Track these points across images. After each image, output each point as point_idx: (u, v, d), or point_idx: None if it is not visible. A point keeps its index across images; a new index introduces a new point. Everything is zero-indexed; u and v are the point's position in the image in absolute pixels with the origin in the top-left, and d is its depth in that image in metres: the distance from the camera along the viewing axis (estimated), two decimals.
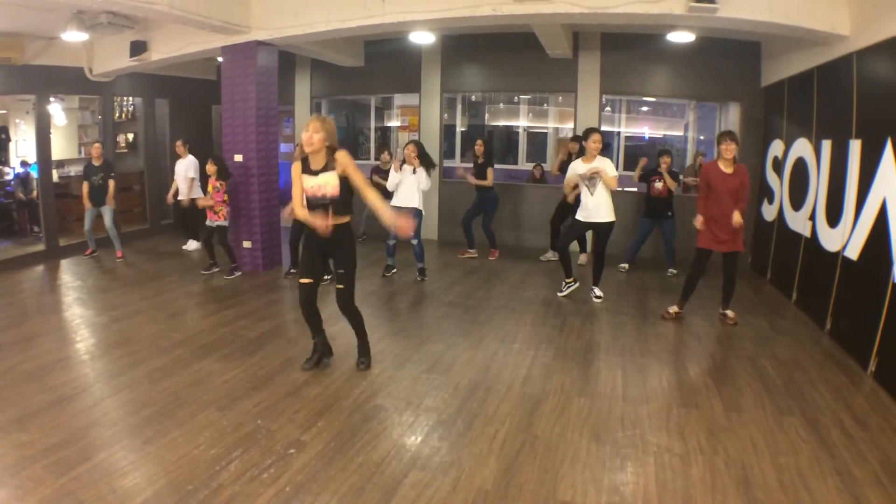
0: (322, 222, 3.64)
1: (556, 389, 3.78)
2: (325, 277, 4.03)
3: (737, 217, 4.79)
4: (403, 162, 6.25)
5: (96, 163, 7.33)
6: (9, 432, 3.12)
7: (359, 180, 3.71)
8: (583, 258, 7.51)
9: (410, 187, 6.20)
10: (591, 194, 5.52)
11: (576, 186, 5.77)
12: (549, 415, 3.43)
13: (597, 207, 5.52)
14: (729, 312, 5.19)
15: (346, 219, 3.80)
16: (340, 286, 3.91)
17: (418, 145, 6.28)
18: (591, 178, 5.48)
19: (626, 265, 7.18)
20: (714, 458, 2.98)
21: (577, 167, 5.63)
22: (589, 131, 5.60)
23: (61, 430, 3.15)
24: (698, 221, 5.05)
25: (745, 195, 4.91)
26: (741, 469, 2.87)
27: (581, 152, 6.04)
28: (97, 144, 7.44)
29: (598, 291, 5.81)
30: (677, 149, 10.33)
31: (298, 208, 3.80)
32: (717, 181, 4.90)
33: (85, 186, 7.31)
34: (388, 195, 6.18)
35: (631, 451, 3.04)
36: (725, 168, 4.91)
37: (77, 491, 2.61)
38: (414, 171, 6.19)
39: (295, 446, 3.03)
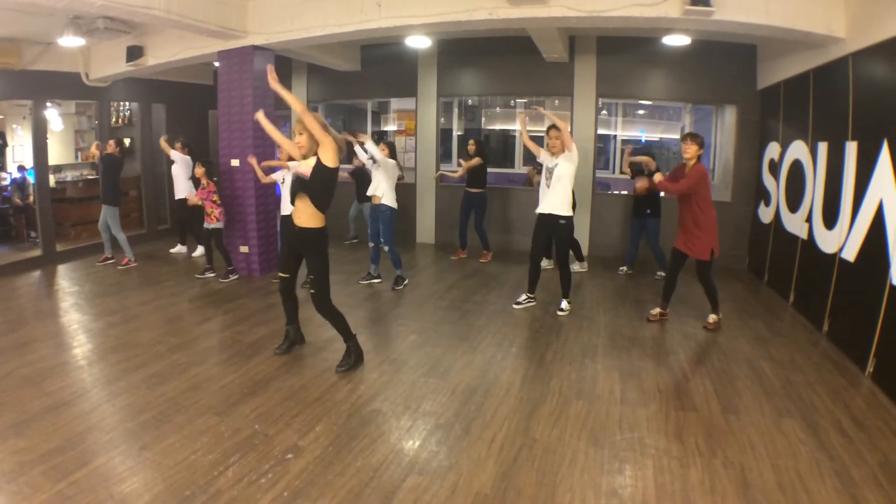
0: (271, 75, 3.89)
1: (554, 392, 3.78)
2: (310, 277, 4.13)
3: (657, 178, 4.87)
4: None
5: (95, 160, 7.22)
6: (6, 438, 3.11)
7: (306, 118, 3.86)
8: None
9: (375, 180, 6.01)
10: (548, 187, 5.29)
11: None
12: (547, 418, 3.43)
13: (547, 199, 5.26)
14: (710, 317, 5.10)
15: (312, 223, 3.92)
16: (313, 291, 4.04)
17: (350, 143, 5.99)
18: (550, 171, 5.25)
19: (625, 268, 7.19)
20: (712, 460, 2.98)
21: (546, 160, 5.35)
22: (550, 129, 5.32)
23: (59, 435, 3.14)
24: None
25: (684, 183, 4.83)
26: (740, 471, 2.88)
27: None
28: (95, 143, 7.36)
29: (564, 304, 5.40)
30: (672, 151, 10.37)
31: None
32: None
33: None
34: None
35: (629, 454, 3.04)
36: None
37: (75, 496, 2.60)
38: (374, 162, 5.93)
39: (293, 451, 3.03)
